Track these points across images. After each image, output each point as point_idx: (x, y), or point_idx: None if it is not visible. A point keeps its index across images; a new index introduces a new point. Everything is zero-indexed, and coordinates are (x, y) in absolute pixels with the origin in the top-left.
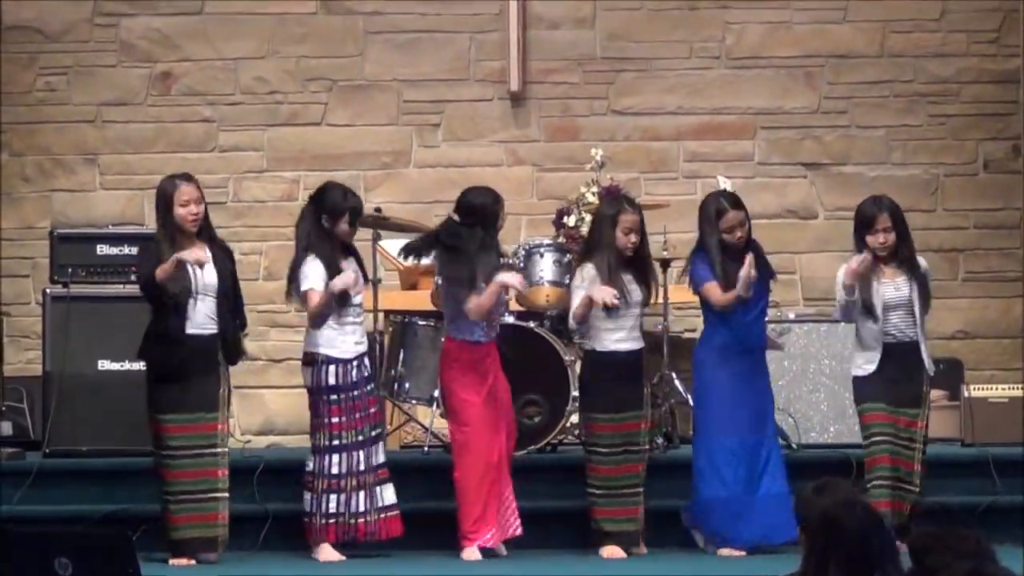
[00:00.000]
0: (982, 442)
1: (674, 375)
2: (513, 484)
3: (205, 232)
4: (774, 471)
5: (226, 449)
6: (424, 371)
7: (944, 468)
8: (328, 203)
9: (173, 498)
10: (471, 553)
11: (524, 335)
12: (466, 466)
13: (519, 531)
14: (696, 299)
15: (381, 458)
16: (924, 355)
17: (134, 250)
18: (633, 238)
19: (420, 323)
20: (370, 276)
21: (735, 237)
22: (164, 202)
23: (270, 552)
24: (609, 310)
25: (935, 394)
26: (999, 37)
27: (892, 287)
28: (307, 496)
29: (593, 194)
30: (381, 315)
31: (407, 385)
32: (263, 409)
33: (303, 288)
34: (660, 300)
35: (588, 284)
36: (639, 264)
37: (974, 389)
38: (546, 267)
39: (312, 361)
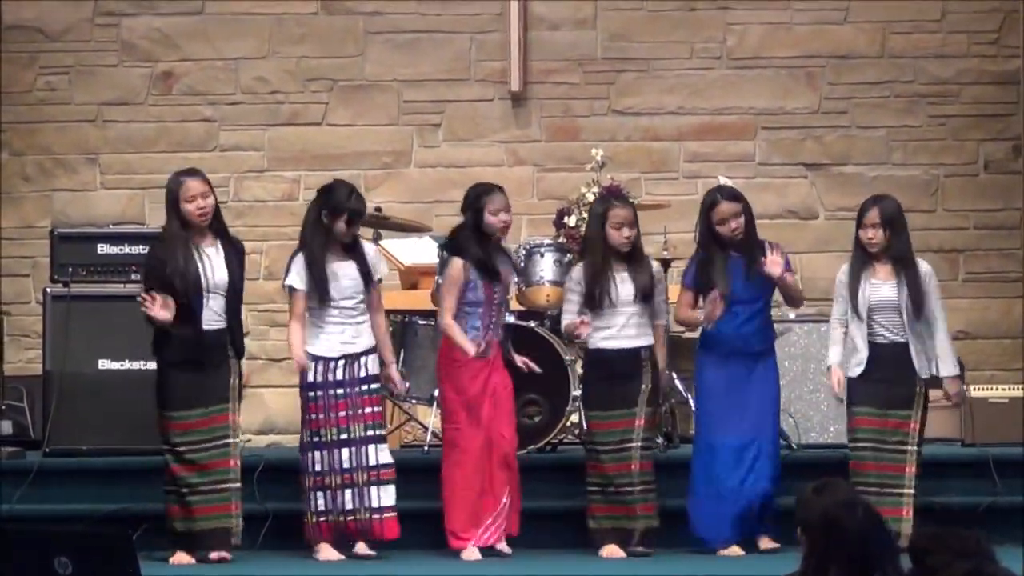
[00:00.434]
0: (982, 442)
1: (674, 375)
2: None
3: (215, 225)
4: (760, 471)
5: (238, 440)
6: (424, 371)
7: (944, 468)
8: (331, 200)
9: (190, 490)
10: (471, 553)
11: (524, 335)
12: (452, 465)
13: (512, 531)
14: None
15: (382, 459)
16: (913, 356)
17: (135, 249)
18: (626, 232)
19: (420, 323)
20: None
21: (728, 229)
22: (171, 200)
23: (270, 552)
24: (597, 308)
25: (935, 394)
26: (999, 38)
27: (879, 289)
28: (303, 494)
29: (593, 194)
30: None
31: (407, 385)
32: (263, 408)
33: (285, 283)
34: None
35: (575, 286)
36: (634, 259)
37: (974, 389)
38: (546, 267)
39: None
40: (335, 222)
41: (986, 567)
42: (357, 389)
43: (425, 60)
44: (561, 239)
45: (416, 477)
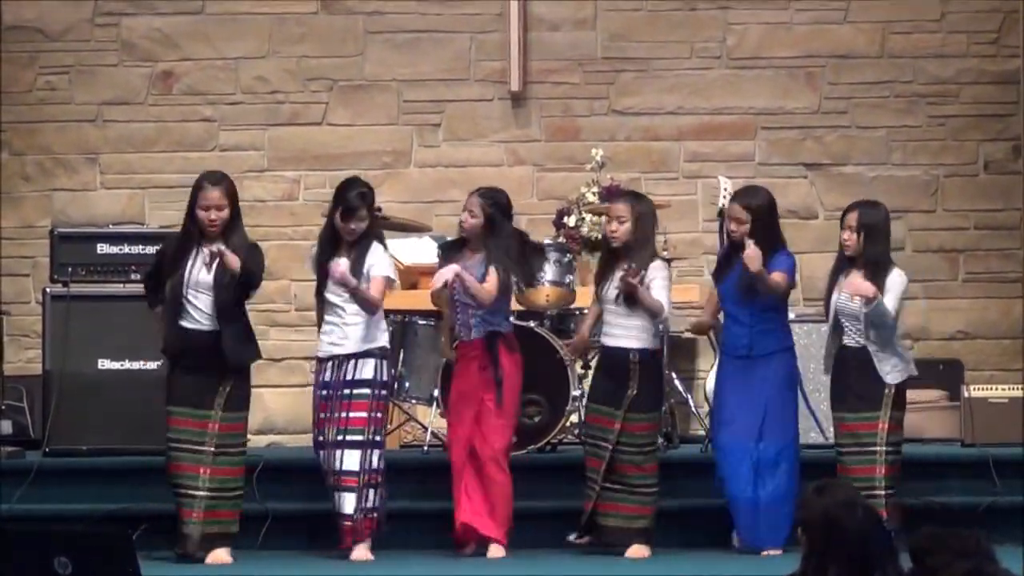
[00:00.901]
0: (982, 442)
1: (674, 375)
2: (513, 484)
3: (228, 235)
4: (764, 475)
5: (211, 449)
6: (424, 371)
7: (944, 468)
8: (336, 193)
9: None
10: (496, 551)
11: (524, 335)
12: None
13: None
14: (695, 299)
15: (346, 466)
16: (876, 361)
17: (134, 249)
18: (613, 226)
19: (420, 323)
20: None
21: (730, 228)
22: (192, 198)
23: (270, 551)
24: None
25: (934, 394)
26: (999, 38)
27: (847, 295)
28: None
29: (593, 194)
30: None
31: (407, 384)
32: (263, 408)
33: None
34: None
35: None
36: (630, 258)
37: (974, 389)
38: (546, 267)
39: None
40: (335, 215)
41: (986, 567)
42: (339, 392)
43: (425, 60)
44: (561, 239)
45: (416, 477)
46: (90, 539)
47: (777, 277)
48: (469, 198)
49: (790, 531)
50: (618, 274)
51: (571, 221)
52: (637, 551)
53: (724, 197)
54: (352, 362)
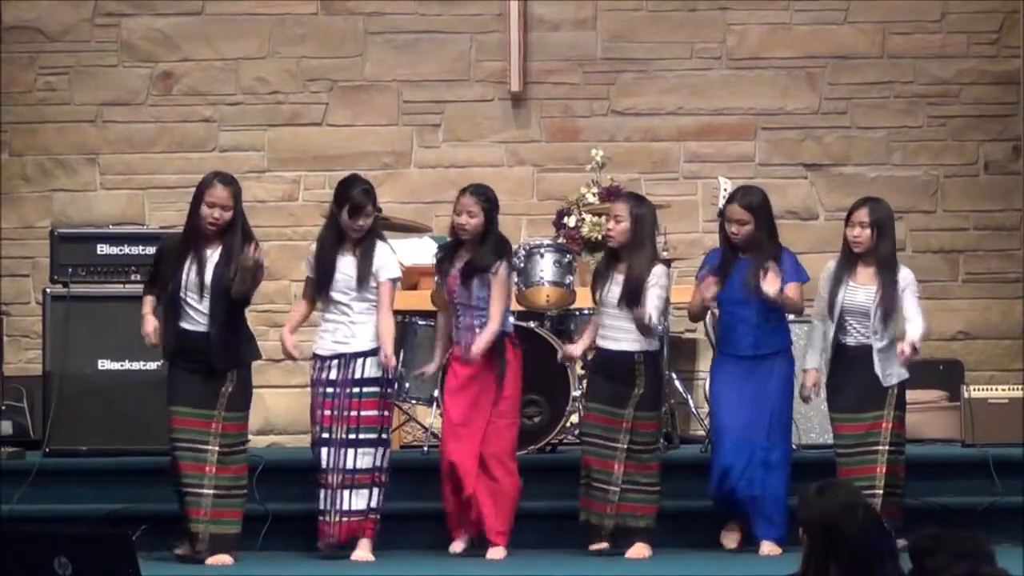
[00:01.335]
0: (982, 443)
1: (674, 375)
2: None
3: (228, 237)
4: (751, 475)
5: (216, 448)
6: None
7: (944, 468)
8: (339, 191)
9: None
10: (496, 552)
11: (524, 335)
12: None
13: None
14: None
15: (360, 464)
16: (876, 363)
17: (134, 250)
18: (610, 225)
19: (420, 323)
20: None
21: (730, 230)
22: (197, 195)
23: (270, 552)
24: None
25: (934, 395)
26: (999, 38)
27: (856, 293)
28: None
29: (593, 195)
30: None
31: (407, 385)
32: (263, 409)
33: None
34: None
35: None
36: (630, 260)
37: (974, 390)
38: (546, 267)
39: None
40: (340, 213)
41: (985, 568)
42: (347, 391)
43: (425, 60)
44: (561, 239)
45: (415, 477)
46: (90, 539)
47: (792, 293)
48: (461, 199)
49: (786, 528)
50: (618, 276)
51: (571, 222)
52: (638, 551)
53: (724, 198)
54: (360, 360)
